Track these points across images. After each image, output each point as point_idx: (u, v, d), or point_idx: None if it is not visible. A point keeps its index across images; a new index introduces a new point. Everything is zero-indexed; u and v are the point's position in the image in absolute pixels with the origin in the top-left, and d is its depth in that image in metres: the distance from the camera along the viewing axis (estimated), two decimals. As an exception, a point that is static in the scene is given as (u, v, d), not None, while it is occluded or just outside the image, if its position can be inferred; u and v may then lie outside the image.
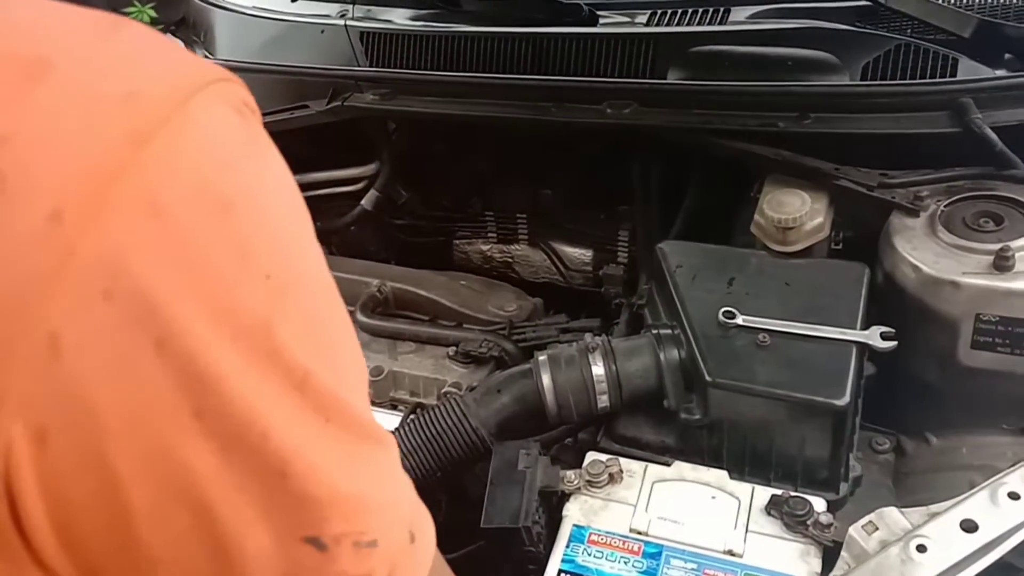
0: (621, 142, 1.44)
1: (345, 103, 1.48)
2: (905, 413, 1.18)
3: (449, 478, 1.11)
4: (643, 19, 1.41)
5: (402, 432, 1.10)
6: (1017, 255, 1.01)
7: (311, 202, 1.60)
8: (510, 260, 1.78)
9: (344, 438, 0.43)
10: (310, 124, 1.51)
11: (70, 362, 0.34)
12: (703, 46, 1.29)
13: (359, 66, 1.53)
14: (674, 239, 1.39)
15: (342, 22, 1.59)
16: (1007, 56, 1.21)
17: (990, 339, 1.03)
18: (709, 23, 1.34)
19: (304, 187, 1.71)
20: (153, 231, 0.35)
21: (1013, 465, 0.89)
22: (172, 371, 0.36)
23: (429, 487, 1.09)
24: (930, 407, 1.16)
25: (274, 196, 0.42)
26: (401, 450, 1.08)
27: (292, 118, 1.52)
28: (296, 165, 1.65)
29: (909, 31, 1.27)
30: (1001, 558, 0.82)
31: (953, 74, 1.18)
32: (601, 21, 1.44)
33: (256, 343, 0.38)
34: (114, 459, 0.36)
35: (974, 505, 0.84)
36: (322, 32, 1.61)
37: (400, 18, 1.60)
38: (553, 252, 1.73)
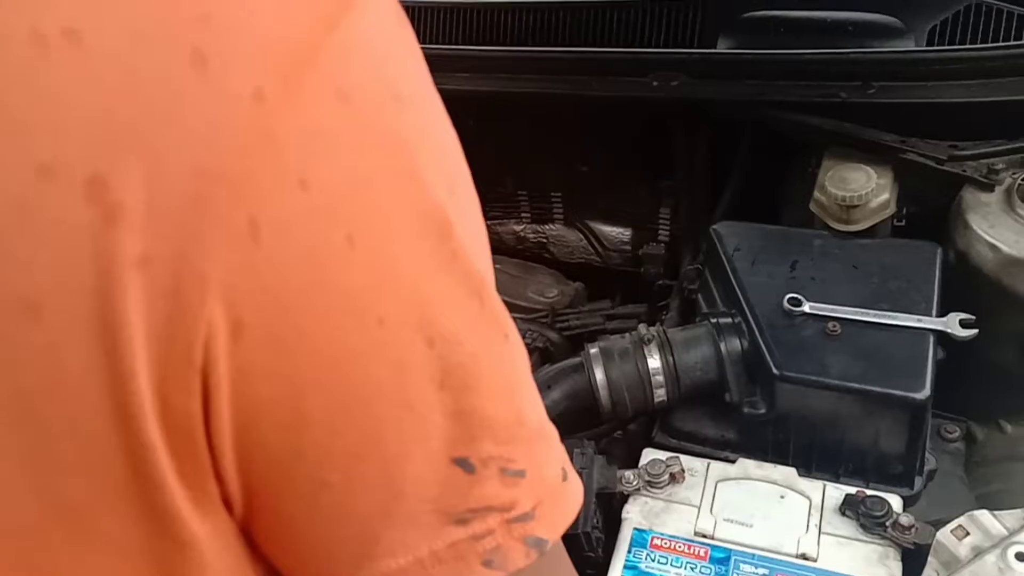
0: (666, 115, 1.36)
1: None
2: (976, 399, 1.12)
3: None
4: (687, -17, 1.33)
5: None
6: (1105, 232, 0.94)
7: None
8: (544, 241, 1.71)
9: (508, 355, 0.41)
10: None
11: (268, 249, 0.32)
12: (756, 11, 1.21)
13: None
14: (720, 218, 1.32)
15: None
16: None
17: (1074, 323, 0.97)
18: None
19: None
20: (343, 117, 0.34)
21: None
22: (362, 269, 0.35)
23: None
24: (1004, 392, 1.10)
25: (434, 100, 0.40)
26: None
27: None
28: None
29: (977, -10, 1.18)
30: (1108, 565, 0.76)
31: (1027, 36, 1.10)
32: (642, -13, 1.35)
33: (441, 244, 0.37)
34: (301, 361, 0.34)
35: (1077, 509, 0.78)
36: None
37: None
38: (590, 231, 1.66)
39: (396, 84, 0.37)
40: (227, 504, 0.37)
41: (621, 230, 1.64)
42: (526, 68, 1.33)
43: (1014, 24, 1.12)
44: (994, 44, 1.12)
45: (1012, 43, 1.11)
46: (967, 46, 1.12)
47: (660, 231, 1.59)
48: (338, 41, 0.34)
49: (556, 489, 0.44)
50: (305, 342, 0.34)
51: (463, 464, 0.39)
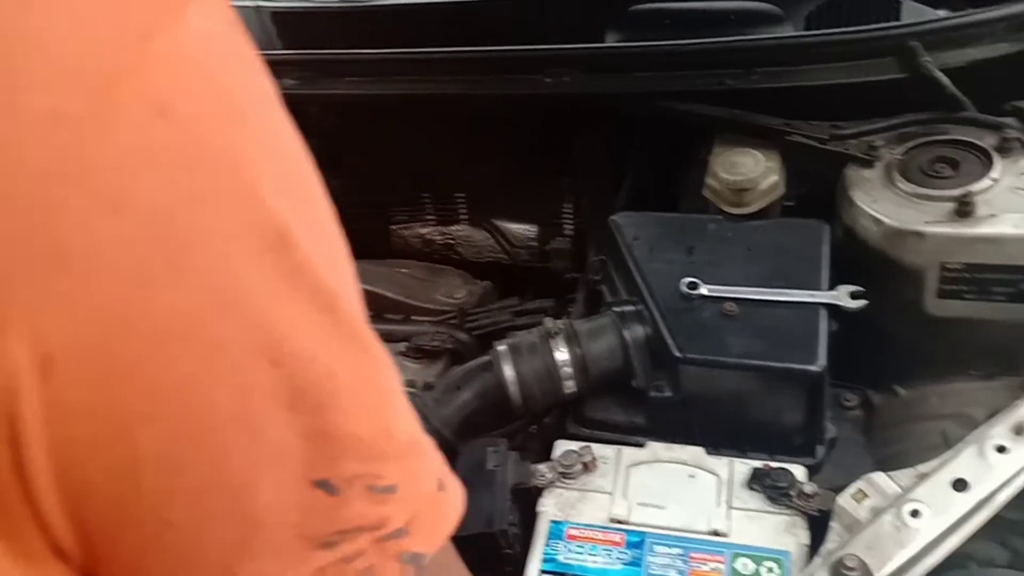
0: (562, 112, 1.38)
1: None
2: (871, 366, 1.16)
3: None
4: (576, -21, 1.35)
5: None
6: (977, 199, 0.99)
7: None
8: (451, 242, 1.70)
9: (369, 368, 0.39)
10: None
11: (79, 279, 0.30)
12: (642, 4, 1.23)
13: (274, 49, 1.42)
14: (621, 209, 1.34)
15: (252, 3, 1.49)
16: (948, -5, 1.18)
17: (956, 287, 1.01)
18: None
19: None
20: (164, 133, 0.32)
21: (991, 415, 0.87)
22: (192, 291, 0.33)
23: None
24: (897, 359, 1.14)
25: (275, 110, 0.39)
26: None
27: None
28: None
29: (849, -24, 1.23)
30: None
31: (897, 17, 1.15)
32: (529, -16, 1.37)
33: (283, 259, 0.35)
34: (127, 394, 0.32)
35: (963, 463, 0.82)
36: (232, 14, 1.50)
37: (312, -6, 1.50)
38: (496, 230, 1.66)
39: (228, 95, 0.35)
40: (61, 552, 0.34)
41: (527, 227, 1.65)
42: (420, 70, 1.32)
43: (883, 7, 1.17)
44: (866, 27, 1.17)
45: (883, 25, 1.17)
46: (842, 30, 1.17)
47: (565, 226, 1.61)
48: (155, 54, 0.32)
49: (432, 501, 0.43)
50: (131, 374, 0.32)
51: (325, 486, 0.37)
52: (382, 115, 1.60)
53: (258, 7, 1.45)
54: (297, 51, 1.40)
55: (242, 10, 1.49)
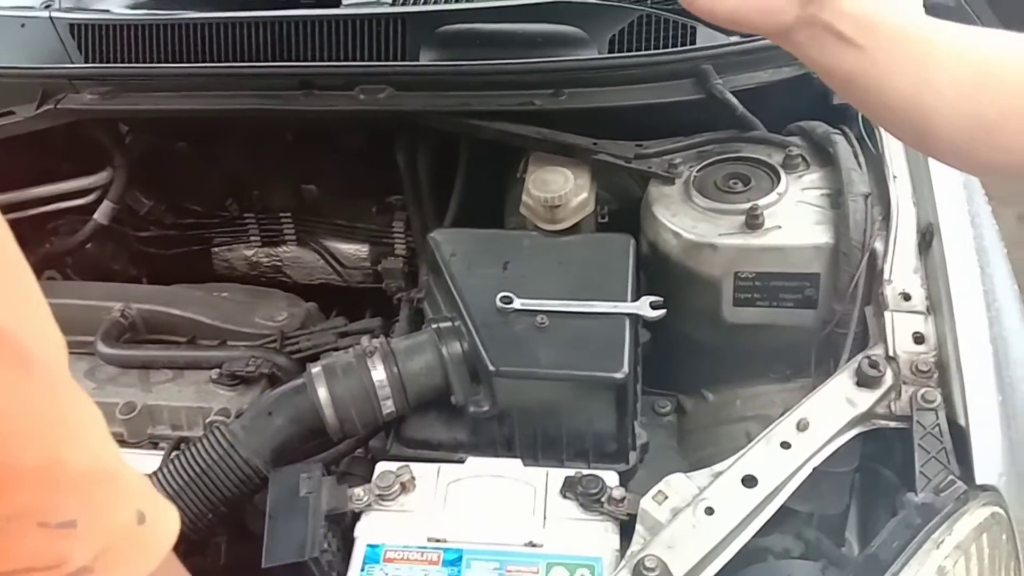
0: (383, 129, 1.37)
1: (58, 106, 1.29)
2: (682, 373, 1.22)
3: (225, 517, 1.00)
4: (388, -1, 1.35)
5: (164, 474, 0.98)
6: (765, 212, 1.06)
7: (34, 221, 1.38)
8: (279, 264, 1.66)
9: (32, 394, 0.36)
10: (18, 133, 1.31)
11: None
12: (451, 25, 1.25)
13: (71, 63, 1.34)
14: (449, 226, 1.35)
15: (47, 13, 1.39)
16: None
17: (749, 295, 1.08)
18: (456, 0, 1.30)
19: (24, 205, 1.47)
20: None
21: (782, 414, 0.93)
22: None
23: (203, 529, 0.98)
24: (703, 365, 1.21)
25: None
26: (164, 494, 0.96)
27: (-5, 127, 1.31)
28: (11, 180, 1.41)
29: (649, 2, 1.30)
30: (782, 505, 0.85)
31: (693, 42, 1.22)
32: (344, 1, 1.35)
33: None
34: None
35: (751, 460, 0.86)
36: (23, 26, 1.40)
37: (116, 6, 1.42)
38: (326, 250, 1.63)
39: None
40: None
41: (358, 247, 1.63)
42: (233, 85, 1.28)
43: (680, 31, 1.24)
44: (664, 50, 1.23)
45: (679, 48, 1.23)
46: (642, 53, 1.23)
47: (396, 245, 1.60)
48: None
49: (129, 534, 0.40)
50: None
51: None
52: (196, 133, 1.54)
53: (53, 18, 1.36)
54: (97, 65, 1.32)
55: (35, 21, 1.39)
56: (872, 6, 0.66)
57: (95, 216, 1.48)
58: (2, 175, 1.40)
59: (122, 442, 1.17)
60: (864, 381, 0.91)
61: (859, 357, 0.93)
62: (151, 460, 1.12)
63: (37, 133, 1.31)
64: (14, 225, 1.47)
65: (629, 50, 1.23)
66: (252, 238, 1.63)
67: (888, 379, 0.91)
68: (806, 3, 0.66)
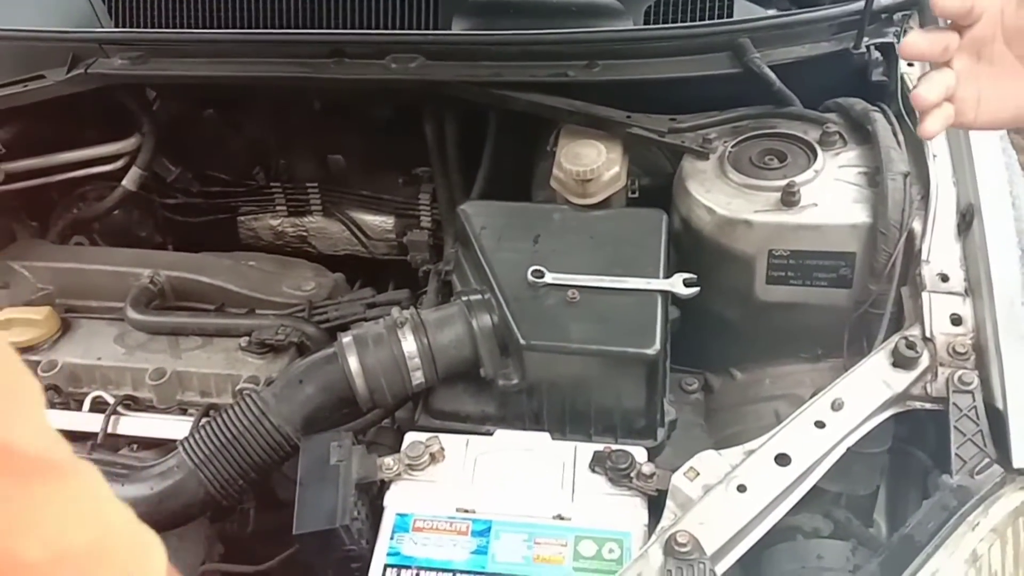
0: (412, 99, 1.36)
1: (89, 71, 1.28)
2: (710, 351, 1.22)
3: (254, 483, 1.01)
4: (420, -35, 1.33)
5: (194, 439, 0.98)
6: (801, 189, 1.05)
7: (63, 186, 1.38)
8: (304, 234, 1.66)
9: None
10: (49, 97, 1.31)
11: None
12: (485, -7, 1.24)
13: (102, 27, 1.33)
14: (476, 198, 1.34)
15: (77, -23, 1.39)
16: (776, -6, 1.25)
17: (783, 273, 1.07)
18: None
19: (53, 170, 1.48)
20: None
21: (815, 393, 0.92)
22: None
23: (233, 495, 0.99)
24: (732, 343, 1.20)
25: None
26: (195, 460, 0.97)
27: (25, 91, 1.30)
28: (38, 145, 1.41)
29: (685, -27, 1.27)
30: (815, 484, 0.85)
31: (729, 15, 1.20)
32: (376, -31, 1.34)
33: None
34: None
35: (785, 438, 0.86)
36: (54, -10, 1.40)
37: (147, -30, 1.41)
38: (352, 221, 1.63)
39: None
40: None
41: (383, 219, 1.63)
42: (260, 52, 1.27)
43: (716, 4, 1.22)
44: (701, 23, 1.21)
45: (716, 21, 1.21)
46: (678, 25, 1.21)
47: (422, 217, 1.59)
48: None
49: None
50: None
51: None
52: (224, 101, 1.53)
53: (85, -18, 1.35)
54: (127, 30, 1.31)
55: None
56: None
57: (123, 183, 1.48)
58: (32, 140, 1.40)
59: (151, 407, 1.18)
60: (900, 362, 0.90)
61: (895, 338, 0.92)
62: (181, 426, 1.14)
63: (66, 98, 1.31)
64: (44, 190, 1.47)
65: (665, 22, 1.22)
66: (278, 207, 1.63)
67: (925, 360, 0.90)
68: None
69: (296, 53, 1.26)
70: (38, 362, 1.21)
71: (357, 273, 1.47)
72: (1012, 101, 0.80)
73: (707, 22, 1.20)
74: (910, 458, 0.95)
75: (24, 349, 1.23)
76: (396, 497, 0.92)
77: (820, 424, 0.87)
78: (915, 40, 0.77)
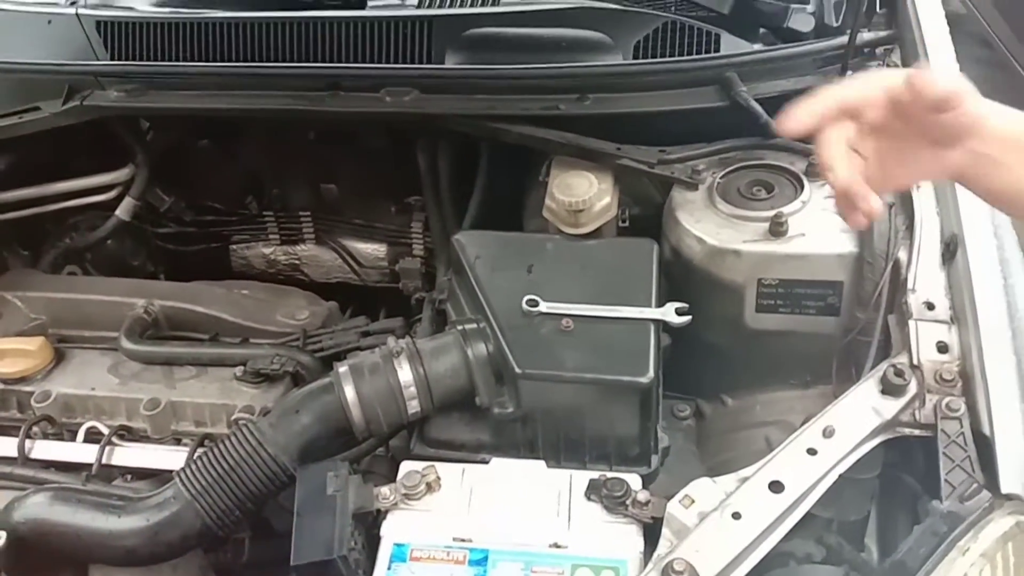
0: (405, 131, 1.38)
1: (84, 103, 1.30)
2: (701, 378, 1.23)
3: (250, 513, 1.01)
4: (414, 0, 1.36)
5: (191, 470, 0.98)
6: (789, 220, 1.07)
7: (56, 216, 1.39)
8: (297, 262, 1.67)
9: None
10: (45, 128, 1.32)
11: None
12: (477, 28, 1.26)
13: (98, 60, 1.35)
14: (468, 227, 1.36)
15: (73, 10, 1.40)
16: (762, 31, 1.27)
17: (772, 301, 1.09)
18: (481, 4, 1.30)
19: (46, 200, 1.48)
20: None
21: (806, 420, 0.94)
22: None
23: (229, 526, 0.99)
24: (723, 370, 1.21)
25: None
26: (192, 491, 0.97)
27: (21, 123, 1.31)
28: (34, 175, 1.42)
29: (672, 8, 1.31)
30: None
31: (717, 49, 1.23)
32: (370, 3, 1.36)
33: None
34: None
35: (778, 465, 0.87)
36: (49, 22, 1.41)
37: (143, 3, 1.43)
38: (344, 250, 1.65)
39: None
40: None
41: (376, 246, 1.64)
42: (260, 85, 1.29)
43: (704, 39, 1.25)
44: (689, 57, 1.24)
45: (704, 55, 1.24)
46: (667, 59, 1.24)
47: (415, 245, 1.61)
48: None
49: None
50: None
51: None
52: (219, 131, 1.55)
53: (80, 15, 1.36)
54: (122, 63, 1.33)
55: (62, 18, 1.40)
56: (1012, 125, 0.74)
57: (116, 212, 1.49)
58: (26, 169, 1.41)
59: (146, 437, 1.18)
60: (889, 389, 0.91)
61: (883, 365, 0.93)
62: (175, 457, 1.14)
63: (64, 128, 1.32)
64: (37, 220, 1.48)
65: (654, 56, 1.24)
66: (271, 236, 1.65)
67: (913, 388, 0.92)
68: (964, 141, 0.74)
69: (292, 86, 1.28)
70: (31, 393, 1.21)
71: (349, 300, 1.48)
72: (918, 169, 0.78)
73: (695, 56, 1.23)
74: (900, 484, 0.96)
75: (17, 380, 1.22)
76: (393, 527, 0.92)
77: (812, 451, 0.88)
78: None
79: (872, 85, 0.74)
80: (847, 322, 1.07)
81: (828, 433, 0.89)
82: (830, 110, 0.74)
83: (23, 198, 1.43)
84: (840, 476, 0.88)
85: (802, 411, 1.06)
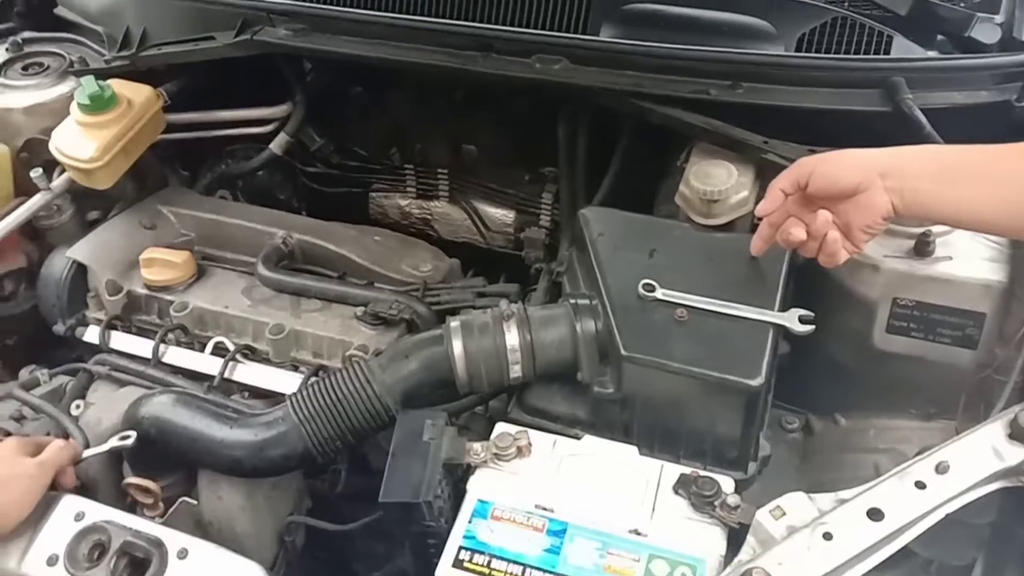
0: (549, 100, 1.38)
1: (254, 37, 1.37)
2: (816, 393, 1.18)
3: (350, 446, 1.05)
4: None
5: (302, 396, 1.04)
6: (937, 240, 1.01)
7: (216, 142, 1.48)
8: (429, 217, 1.71)
9: None
10: (216, 57, 1.40)
11: None
12: (637, 3, 1.23)
13: (268, -2, 1.41)
14: (598, 205, 1.35)
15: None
16: (939, 37, 1.19)
17: (905, 323, 1.03)
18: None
19: (209, 126, 1.58)
20: None
21: (920, 452, 0.88)
22: None
23: (329, 455, 1.04)
24: (841, 388, 1.16)
25: None
26: (300, 415, 1.02)
27: (195, 50, 1.40)
28: (201, 101, 1.51)
29: (846, 4, 1.24)
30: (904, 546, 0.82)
31: (887, 52, 1.16)
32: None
33: None
34: None
35: (881, 493, 0.83)
36: (231, -42, 1.49)
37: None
38: (474, 211, 1.67)
39: None
40: None
41: (505, 212, 1.66)
42: (414, 37, 1.32)
43: (875, 39, 1.18)
44: (856, 56, 1.17)
45: (872, 56, 1.17)
46: (832, 56, 1.18)
47: (542, 216, 1.62)
48: None
49: None
50: None
51: None
52: (373, 80, 1.60)
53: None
54: (294, 2, 1.39)
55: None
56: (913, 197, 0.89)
57: (271, 146, 1.57)
58: (195, 96, 1.50)
59: (267, 360, 1.25)
60: (1018, 435, 0.85)
61: (1016, 408, 0.87)
62: (291, 381, 1.20)
63: (234, 59, 1.40)
64: (198, 143, 1.57)
65: (818, 51, 1.18)
66: (408, 189, 1.69)
67: (1046, 437, 0.85)
68: (884, 178, 0.90)
69: (447, 43, 1.30)
70: (171, 302, 1.30)
71: (472, 261, 1.50)
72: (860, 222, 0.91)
73: (862, 56, 1.16)
74: (1014, 536, 0.90)
75: (161, 288, 1.32)
76: (479, 483, 0.94)
77: (921, 485, 0.83)
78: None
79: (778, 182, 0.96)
80: (983, 357, 1.00)
81: (942, 469, 0.84)
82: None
83: (189, 121, 1.52)
84: (947, 516, 0.83)
85: (918, 443, 1.00)
